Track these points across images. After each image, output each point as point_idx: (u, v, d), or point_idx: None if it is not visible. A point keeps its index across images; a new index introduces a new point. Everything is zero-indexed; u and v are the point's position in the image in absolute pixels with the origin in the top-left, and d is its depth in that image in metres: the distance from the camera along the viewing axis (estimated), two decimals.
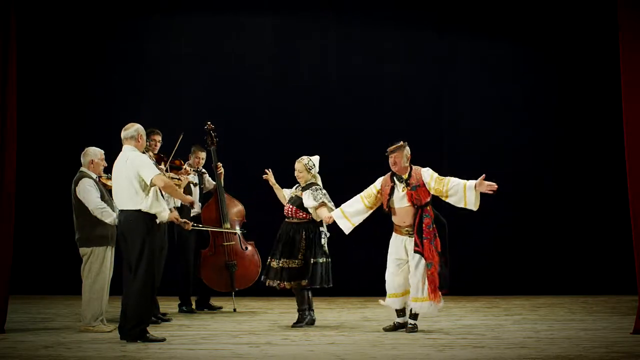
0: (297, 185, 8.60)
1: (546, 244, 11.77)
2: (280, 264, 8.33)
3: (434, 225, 7.95)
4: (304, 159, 8.52)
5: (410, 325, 7.99)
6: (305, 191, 8.41)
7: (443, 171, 11.57)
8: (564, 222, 11.79)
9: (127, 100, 11.68)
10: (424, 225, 7.95)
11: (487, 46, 11.97)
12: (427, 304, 7.91)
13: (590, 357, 6.57)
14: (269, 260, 8.46)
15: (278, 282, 8.33)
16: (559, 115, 11.92)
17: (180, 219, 8.75)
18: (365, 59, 11.91)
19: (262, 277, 8.56)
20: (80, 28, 11.79)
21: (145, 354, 6.78)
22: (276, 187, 8.76)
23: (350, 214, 8.18)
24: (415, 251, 7.96)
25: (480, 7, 11.82)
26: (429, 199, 8.01)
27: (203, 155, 9.78)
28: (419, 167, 8.09)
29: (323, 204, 8.32)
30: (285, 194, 8.68)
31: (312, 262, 8.30)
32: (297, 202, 8.45)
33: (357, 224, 8.19)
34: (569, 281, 11.63)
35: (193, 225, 9.45)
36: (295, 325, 8.37)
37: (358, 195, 8.24)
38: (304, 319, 8.42)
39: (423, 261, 7.91)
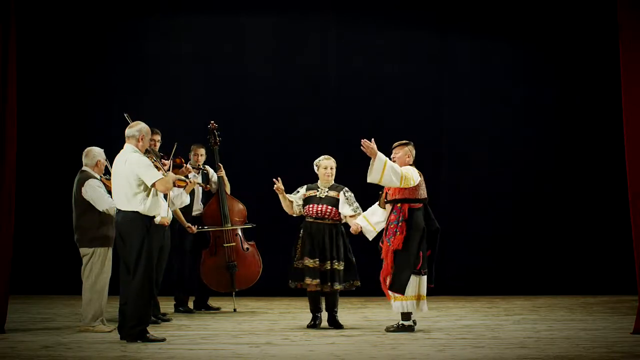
0: (315, 184, 8.41)
1: (546, 244, 11.78)
2: (330, 266, 8.17)
3: (400, 224, 7.86)
4: (330, 157, 8.45)
5: (396, 325, 8.02)
6: (339, 193, 8.33)
7: (443, 171, 11.76)
8: (564, 222, 11.80)
9: (127, 100, 11.66)
10: (389, 220, 7.96)
11: (487, 46, 11.98)
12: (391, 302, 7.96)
13: (590, 357, 6.56)
14: (308, 262, 8.16)
15: (330, 284, 8.16)
16: (559, 115, 11.93)
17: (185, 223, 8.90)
18: (365, 59, 11.92)
19: (305, 280, 8.16)
20: (80, 28, 11.80)
21: (145, 354, 6.78)
22: (283, 196, 8.39)
23: (372, 221, 8.21)
24: (379, 246, 8.03)
25: (480, 7, 11.83)
26: (398, 196, 7.94)
27: (202, 151, 9.74)
28: (410, 167, 8.02)
29: (355, 215, 8.31)
30: (292, 199, 8.43)
31: (354, 261, 8.29)
32: (335, 203, 8.32)
33: (379, 230, 8.21)
34: (569, 281, 11.63)
35: (198, 228, 9.47)
36: (337, 326, 8.31)
37: (376, 203, 8.27)
38: (337, 318, 8.38)
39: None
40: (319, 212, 8.29)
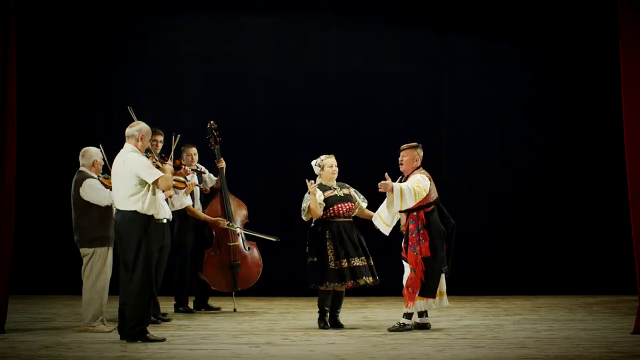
0: (323, 185, 8.36)
1: (546, 244, 11.77)
2: (359, 262, 8.15)
3: (422, 231, 7.90)
4: (331, 155, 8.44)
5: (397, 324, 8.03)
6: (349, 189, 8.38)
7: (443, 171, 11.75)
8: (564, 222, 11.79)
9: (127, 101, 11.62)
10: (409, 230, 7.97)
11: (487, 46, 11.98)
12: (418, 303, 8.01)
13: (590, 357, 6.56)
14: (335, 263, 8.10)
15: (365, 278, 8.14)
16: (559, 115, 11.93)
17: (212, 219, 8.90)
18: (365, 59, 11.92)
19: (333, 282, 8.09)
20: (80, 28, 11.80)
21: (145, 354, 6.78)
22: (316, 198, 8.16)
23: (385, 218, 8.18)
24: (402, 257, 8.06)
25: (480, 7, 11.83)
26: (413, 206, 7.93)
27: (194, 151, 9.74)
28: (420, 172, 8.04)
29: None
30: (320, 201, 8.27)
31: (370, 258, 8.29)
32: (351, 199, 8.34)
33: (393, 225, 8.21)
34: (569, 281, 11.63)
35: (228, 225, 9.47)
36: (338, 326, 8.30)
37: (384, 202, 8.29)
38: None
39: (408, 266, 7.99)
40: (348, 210, 8.29)
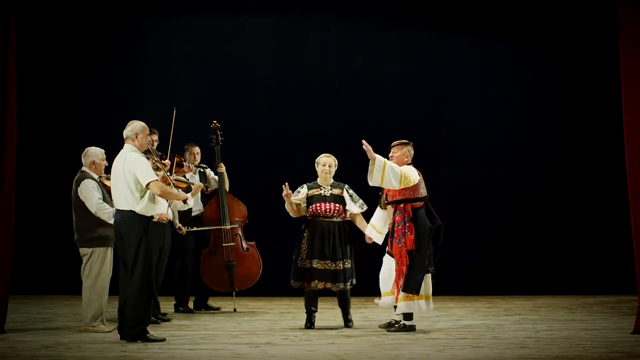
0: (315, 183, 8.35)
1: (546, 244, 11.78)
2: (343, 266, 8.15)
3: (408, 224, 7.87)
4: (330, 155, 8.42)
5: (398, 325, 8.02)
6: (343, 191, 8.31)
7: (443, 171, 11.76)
8: (564, 222, 11.80)
9: (127, 100, 11.68)
10: (395, 222, 7.96)
11: (487, 46, 11.98)
12: (389, 299, 8.01)
13: (590, 357, 6.56)
14: (318, 264, 8.11)
15: (343, 283, 8.15)
16: (559, 115, 11.94)
17: (176, 223, 8.87)
18: (365, 59, 11.92)
19: (313, 282, 8.12)
20: (80, 28, 11.80)
21: (145, 354, 6.78)
22: (290, 201, 8.23)
23: (379, 227, 8.23)
24: (387, 251, 8.05)
25: (480, 7, 11.83)
26: (399, 197, 7.93)
27: (197, 150, 9.76)
28: (408, 167, 8.02)
29: (360, 214, 8.33)
30: (297, 200, 8.29)
31: (340, 263, 8.23)
32: (340, 200, 8.29)
33: (385, 232, 8.24)
34: (569, 281, 11.63)
35: (188, 229, 9.44)
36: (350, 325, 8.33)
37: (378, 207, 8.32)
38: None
39: (392, 259, 7.98)
40: (327, 210, 8.24)
